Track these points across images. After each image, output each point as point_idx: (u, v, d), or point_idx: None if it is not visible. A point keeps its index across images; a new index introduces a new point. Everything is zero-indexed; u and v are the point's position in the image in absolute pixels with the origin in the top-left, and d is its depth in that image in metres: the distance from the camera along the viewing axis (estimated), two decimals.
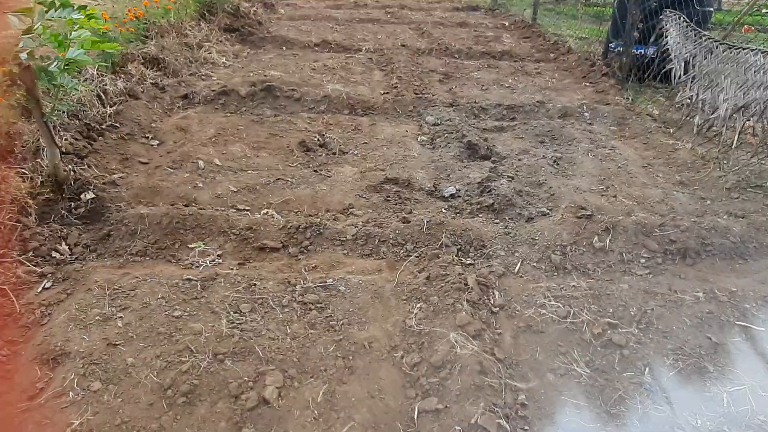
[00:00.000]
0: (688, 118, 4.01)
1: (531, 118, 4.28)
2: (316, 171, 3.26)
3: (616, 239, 2.62)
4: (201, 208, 2.69)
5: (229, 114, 4.03)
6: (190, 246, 2.45)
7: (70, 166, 2.80)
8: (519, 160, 3.51)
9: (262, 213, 2.75)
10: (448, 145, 3.65)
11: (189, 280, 2.19)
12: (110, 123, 3.47)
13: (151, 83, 4.18)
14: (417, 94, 4.64)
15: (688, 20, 4.03)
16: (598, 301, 2.25)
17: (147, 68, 4.36)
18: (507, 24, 8.30)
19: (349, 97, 4.34)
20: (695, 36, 3.77)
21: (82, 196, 2.66)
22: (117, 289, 2.11)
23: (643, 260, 2.57)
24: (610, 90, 5.00)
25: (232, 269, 2.32)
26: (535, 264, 2.49)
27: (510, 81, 5.23)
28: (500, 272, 2.41)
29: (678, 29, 4.04)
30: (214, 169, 3.18)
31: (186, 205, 2.75)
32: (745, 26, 7.80)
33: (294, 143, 3.57)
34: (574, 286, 2.33)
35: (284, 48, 5.97)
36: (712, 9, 5.25)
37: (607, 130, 4.16)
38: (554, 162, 3.51)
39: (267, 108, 4.16)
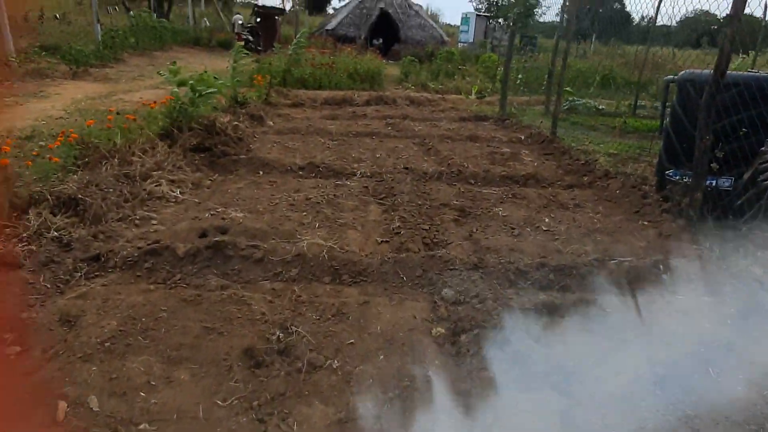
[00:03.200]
0: None
1: (592, 286, 2.99)
2: (261, 420, 1.90)
3: None
4: None
5: (153, 286, 2.75)
6: None
7: None
8: (601, 381, 2.15)
9: None
10: (480, 352, 2.31)
11: None
12: None
13: (53, 237, 2.96)
14: (427, 244, 3.42)
15: None
16: None
17: (57, 213, 3.18)
18: (523, 137, 7.38)
19: (333, 255, 3.08)
20: None
21: None
22: None
23: None
24: (681, 234, 3.77)
25: None
26: None
27: (546, 220, 4.03)
28: None
29: None
30: (82, 419, 1.82)
31: None
32: None
33: (237, 350, 2.25)
34: None
35: (261, 172, 4.88)
36: None
37: (704, 306, 2.85)
38: (658, 384, 2.15)
39: (213, 274, 2.89)
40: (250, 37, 19.45)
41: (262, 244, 3.09)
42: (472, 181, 5.03)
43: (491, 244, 3.47)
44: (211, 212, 3.67)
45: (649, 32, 9.93)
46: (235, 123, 6.35)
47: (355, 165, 5.27)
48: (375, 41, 23.13)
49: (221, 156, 5.15)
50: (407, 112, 9.48)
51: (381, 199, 4.32)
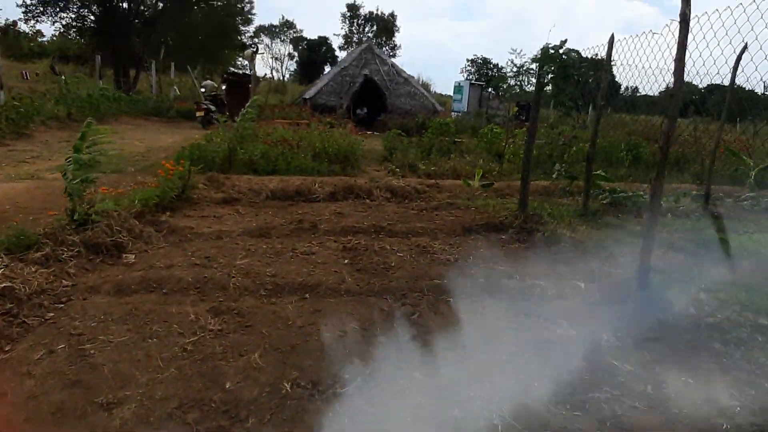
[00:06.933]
0: None
1: None
2: None
3: None
4: None
5: None
6: None
7: None
8: None
9: None
10: None
11: None
12: None
13: None
14: None
15: None
16: None
17: None
18: (591, 295, 4.06)
19: None
20: None
21: None
22: None
23: None
24: None
25: None
26: None
27: None
28: None
29: None
30: None
31: None
32: None
33: None
34: None
35: None
36: None
37: None
38: None
39: None
40: (212, 107, 16.67)
41: None
42: None
43: None
44: None
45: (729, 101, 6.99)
46: (14, 285, 3.03)
47: None
48: (359, 111, 20.59)
49: None
50: (385, 215, 6.29)
51: None
